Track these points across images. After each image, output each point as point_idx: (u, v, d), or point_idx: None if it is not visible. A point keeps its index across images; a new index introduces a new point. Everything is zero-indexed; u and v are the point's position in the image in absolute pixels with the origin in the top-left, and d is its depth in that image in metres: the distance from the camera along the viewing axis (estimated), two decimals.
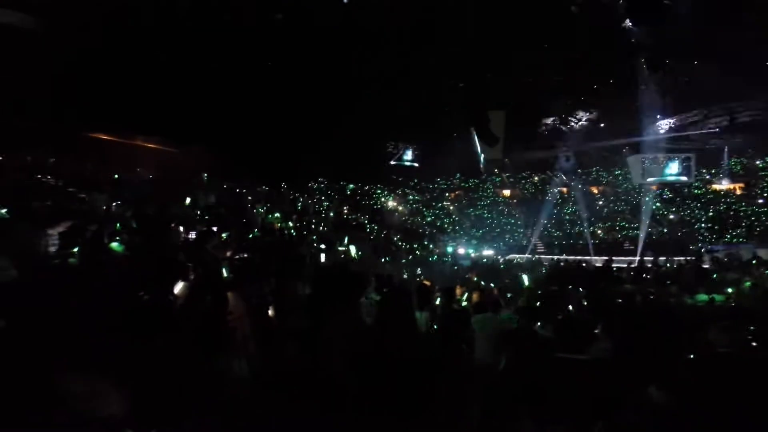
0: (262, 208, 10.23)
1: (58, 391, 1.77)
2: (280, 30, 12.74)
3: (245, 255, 5.38)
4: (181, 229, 5.35)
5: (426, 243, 18.48)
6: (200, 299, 3.36)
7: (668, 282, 9.58)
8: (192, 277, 3.83)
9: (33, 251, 4.17)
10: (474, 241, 21.79)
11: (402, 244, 16.61)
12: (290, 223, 10.03)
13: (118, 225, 5.42)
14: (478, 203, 26.60)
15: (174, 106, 13.79)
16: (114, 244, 4.54)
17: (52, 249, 4.30)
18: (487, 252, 18.69)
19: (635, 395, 2.65)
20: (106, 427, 1.78)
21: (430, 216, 25.39)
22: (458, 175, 27.42)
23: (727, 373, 2.32)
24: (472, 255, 17.53)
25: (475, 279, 12.32)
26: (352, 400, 2.44)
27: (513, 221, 24.72)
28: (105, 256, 4.25)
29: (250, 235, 6.84)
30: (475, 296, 4.96)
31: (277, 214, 9.81)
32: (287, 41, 13.37)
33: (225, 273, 3.85)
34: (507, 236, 23.05)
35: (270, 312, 4.04)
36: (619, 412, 2.40)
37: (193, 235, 5.18)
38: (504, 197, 27.15)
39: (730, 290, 7.42)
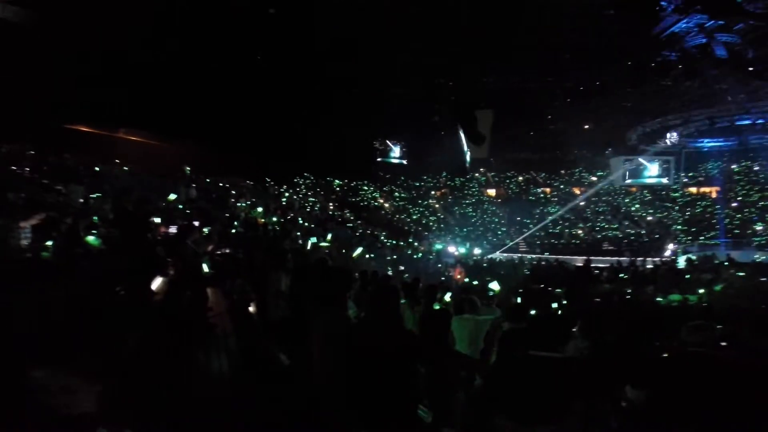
0: (246, 203, 10.10)
1: (29, 387, 1.74)
2: (271, 24, 12.61)
3: (227, 250, 5.32)
4: (159, 221, 5.24)
5: (411, 240, 18.54)
6: (179, 295, 3.31)
7: (645, 282, 9.82)
8: (171, 272, 3.78)
9: (5, 244, 4.04)
10: (458, 239, 21.94)
11: (387, 241, 16.64)
12: (274, 218, 9.93)
13: (95, 218, 5.28)
14: (464, 202, 26.84)
15: (157, 99, 13.52)
16: (90, 238, 4.42)
17: (25, 242, 4.17)
18: (475, 251, 18.85)
19: (611, 393, 2.72)
20: (79, 425, 1.75)
21: (416, 213, 25.49)
22: (444, 173, 27.65)
23: (698, 371, 2.38)
24: (456, 253, 17.65)
25: (459, 277, 12.43)
26: (336, 398, 2.44)
27: (497, 220, 25.00)
28: (80, 249, 4.14)
29: (233, 231, 6.75)
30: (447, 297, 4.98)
31: (261, 209, 9.69)
32: (278, 36, 13.24)
33: (206, 268, 3.79)
34: (489, 235, 23.29)
35: (252, 308, 4.01)
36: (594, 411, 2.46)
37: (173, 229, 5.08)
38: (489, 196, 27.46)
39: (701, 291, 7.63)
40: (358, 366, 2.34)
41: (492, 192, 27.59)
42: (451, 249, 18.00)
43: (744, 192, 22.93)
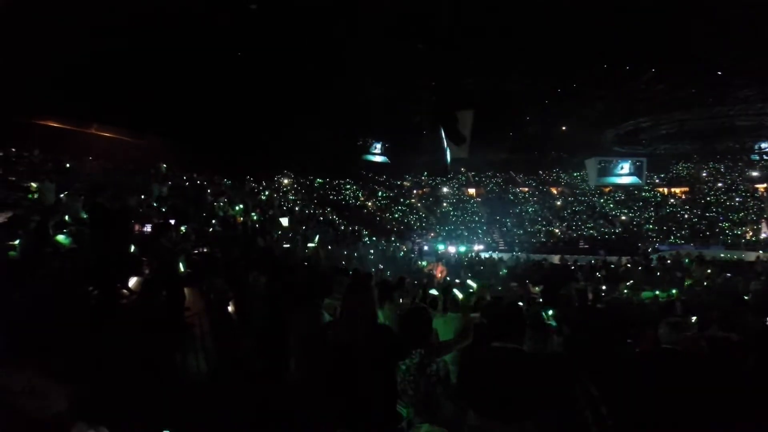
0: (224, 201, 9.94)
1: None
2: (251, 19, 12.39)
3: (205, 249, 5.22)
4: (133, 220, 5.12)
5: (393, 239, 18.60)
6: (155, 294, 3.24)
7: (618, 280, 10.14)
8: (147, 271, 3.68)
9: None
10: (440, 238, 22.14)
11: (369, 240, 16.65)
12: (254, 216, 9.79)
13: (66, 216, 5.11)
14: (444, 201, 27.10)
15: (132, 95, 13.14)
16: (60, 237, 4.28)
17: None
18: (454, 249, 19.09)
19: (578, 388, 2.78)
20: (51, 428, 1.70)
21: (398, 212, 25.59)
22: (426, 173, 27.86)
23: (669, 367, 2.46)
24: (439, 251, 17.81)
25: (440, 275, 12.54)
26: (314, 396, 2.44)
27: (477, 219, 25.35)
28: (50, 248, 4.00)
29: (211, 229, 6.63)
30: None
31: (239, 208, 9.54)
32: (258, 31, 13.02)
33: (181, 267, 3.71)
34: (467, 233, 23.59)
35: (230, 308, 3.95)
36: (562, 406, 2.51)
37: (148, 227, 4.95)
38: (469, 195, 27.82)
39: (674, 291, 7.88)
40: (335, 363, 2.34)
41: (472, 191, 27.97)
42: (452, 249, 18.26)
43: (711, 193, 23.95)
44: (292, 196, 20.98)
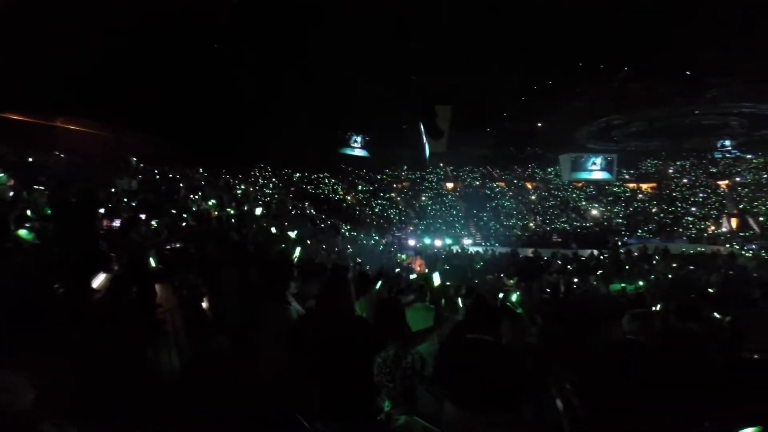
0: (198, 195, 9.70)
1: None
2: (229, 10, 12.05)
3: (177, 244, 5.10)
4: (101, 212, 4.93)
5: (372, 233, 18.63)
6: (124, 291, 3.15)
7: (589, 272, 10.46)
8: (116, 267, 3.58)
9: None
10: (418, 232, 22.30)
11: (348, 234, 16.62)
12: (230, 211, 9.61)
13: (28, 211, 4.88)
14: (423, 195, 27.29)
15: (100, 86, 12.59)
16: (22, 232, 4.09)
17: None
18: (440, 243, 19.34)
19: (552, 380, 2.87)
20: (19, 424, 1.67)
21: (378, 206, 25.62)
22: (405, 166, 27.96)
23: (632, 357, 2.55)
24: (417, 245, 17.96)
25: (419, 268, 12.65)
26: (291, 390, 2.43)
27: (455, 213, 25.65)
28: (11, 243, 3.82)
29: (184, 224, 6.46)
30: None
31: (214, 202, 9.34)
32: (235, 21, 12.68)
33: (152, 263, 3.62)
34: (445, 227, 23.87)
35: (204, 304, 3.89)
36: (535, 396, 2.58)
37: (117, 222, 4.79)
38: (447, 189, 28.10)
39: (642, 284, 8.19)
40: (312, 357, 2.34)
41: (450, 185, 28.27)
42: (438, 242, 18.46)
43: (677, 189, 25.00)
44: (268, 189, 20.66)
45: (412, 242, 18.61)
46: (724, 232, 21.48)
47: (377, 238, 17.61)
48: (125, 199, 7.21)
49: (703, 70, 14.77)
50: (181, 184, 10.37)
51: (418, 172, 28.17)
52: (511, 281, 10.39)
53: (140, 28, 11.84)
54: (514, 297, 5.02)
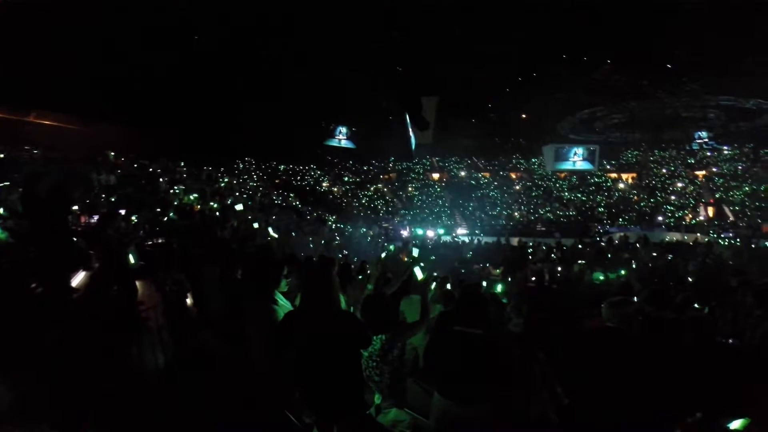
0: (180, 189, 9.49)
1: None
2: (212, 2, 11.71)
3: (160, 240, 4.98)
4: (76, 209, 4.77)
5: (359, 224, 18.58)
6: (104, 289, 3.07)
7: (572, 261, 10.64)
8: (96, 264, 3.48)
9: None
10: (405, 222, 22.35)
11: (334, 225, 16.56)
12: (214, 205, 9.44)
13: (1, 209, 4.71)
14: (410, 186, 27.33)
15: (74, 78, 12.13)
16: None
17: None
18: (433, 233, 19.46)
19: (536, 368, 2.91)
20: None
21: (365, 198, 25.55)
22: (392, 158, 27.92)
23: (608, 344, 2.59)
24: (405, 235, 18.00)
25: (406, 260, 12.67)
26: (278, 385, 2.42)
27: (441, 203, 25.77)
28: None
29: (165, 218, 6.32)
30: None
31: (196, 195, 9.14)
32: (217, 11, 12.32)
33: (132, 259, 3.54)
34: (432, 217, 23.98)
35: (188, 300, 3.82)
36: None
37: (95, 218, 4.64)
38: (433, 180, 28.20)
39: (623, 272, 8.35)
40: (299, 352, 2.33)
41: (436, 176, 28.37)
42: (431, 233, 18.52)
43: (657, 179, 25.58)
44: (252, 182, 20.37)
45: (402, 233, 18.63)
46: (701, 221, 22.12)
47: (365, 229, 17.57)
48: (103, 195, 7.01)
49: (682, 64, 15.04)
50: (161, 179, 10.14)
51: (404, 163, 28.18)
52: (497, 271, 10.53)
53: (117, 17, 11.44)
54: (499, 287, 5.08)
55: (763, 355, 2.81)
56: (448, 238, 18.40)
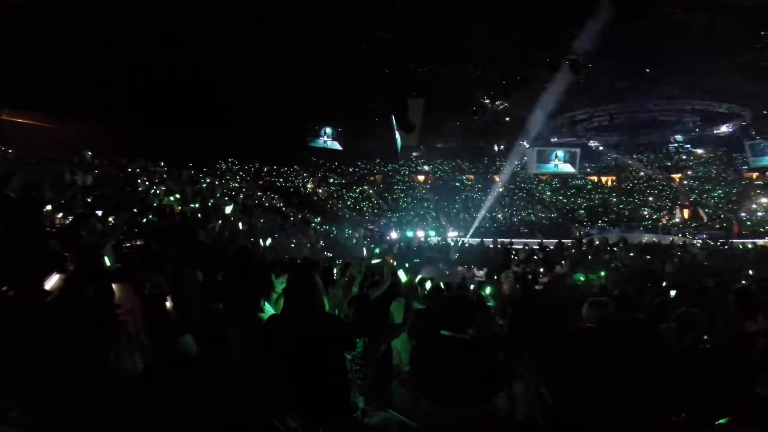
0: (160, 190, 9.26)
1: None
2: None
3: (139, 242, 4.85)
4: (50, 209, 4.60)
5: (345, 226, 18.49)
6: (79, 292, 2.97)
7: (554, 263, 10.79)
8: (71, 267, 3.36)
9: None
10: (390, 224, 22.33)
11: (320, 227, 16.42)
12: (197, 205, 9.24)
13: None
14: (395, 187, 27.36)
15: (52, 77, 11.74)
16: None
17: None
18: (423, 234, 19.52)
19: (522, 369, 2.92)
20: None
21: (350, 199, 25.45)
22: (377, 159, 27.92)
23: (591, 345, 2.61)
24: (391, 238, 17.98)
25: (392, 261, 12.62)
26: (264, 390, 2.38)
27: (426, 205, 25.87)
28: None
29: (144, 220, 6.15)
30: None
31: (177, 196, 8.94)
32: (200, 8, 12.11)
33: (108, 262, 3.43)
34: (417, 219, 24.05)
35: (168, 303, 3.73)
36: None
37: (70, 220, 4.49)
38: (418, 182, 28.31)
39: (603, 273, 8.51)
40: (284, 355, 2.29)
41: (421, 178, 28.49)
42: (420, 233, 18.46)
43: (635, 181, 26.25)
44: (235, 183, 20.04)
45: (388, 235, 18.59)
46: (677, 223, 22.78)
47: (350, 231, 17.49)
48: (80, 195, 6.80)
49: (661, 70, 15.48)
50: (139, 180, 9.89)
51: (390, 165, 28.22)
52: (481, 272, 10.60)
53: (93, 14, 11.12)
54: (488, 290, 5.09)
55: (739, 354, 2.88)
56: (433, 241, 18.42)
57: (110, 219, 5.17)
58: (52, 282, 3.06)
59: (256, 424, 2.37)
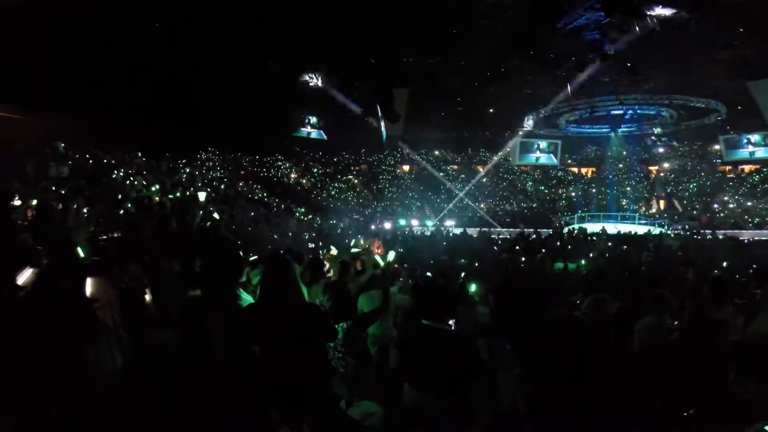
0: (139, 181, 9.01)
1: None
2: None
3: (115, 234, 4.71)
4: (19, 203, 4.41)
5: (330, 216, 18.39)
6: (53, 286, 2.88)
7: (536, 252, 10.97)
8: (44, 261, 3.25)
9: None
10: (376, 214, 22.30)
11: (304, 218, 16.30)
12: (176, 196, 9.02)
13: None
14: (380, 177, 27.31)
15: (22, 67, 11.19)
16: None
17: None
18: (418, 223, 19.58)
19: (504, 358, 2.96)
20: None
21: (335, 189, 25.29)
22: (363, 149, 27.77)
23: (569, 334, 2.64)
24: (373, 227, 17.94)
25: (378, 251, 12.60)
26: (244, 382, 2.36)
27: (411, 195, 25.93)
28: None
29: (122, 211, 5.98)
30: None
31: (156, 187, 8.71)
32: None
33: (81, 254, 3.33)
34: (401, 209, 24.10)
35: (147, 296, 3.65)
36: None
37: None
38: (404, 172, 28.31)
39: (583, 262, 8.71)
40: (263, 346, 2.27)
41: (406, 168, 28.49)
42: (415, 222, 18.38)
43: (614, 172, 26.84)
44: (216, 173, 19.65)
45: (374, 224, 18.55)
46: (653, 213, 23.42)
47: (334, 221, 17.40)
48: (53, 187, 6.56)
49: (641, 64, 15.71)
50: (116, 171, 9.60)
51: (375, 155, 28.11)
52: (463, 261, 10.69)
53: (72, 4, 10.63)
54: (473, 287, 5.13)
55: (706, 341, 2.97)
56: (418, 231, 18.49)
57: (84, 210, 5.00)
58: (24, 277, 2.96)
59: (239, 418, 2.35)
